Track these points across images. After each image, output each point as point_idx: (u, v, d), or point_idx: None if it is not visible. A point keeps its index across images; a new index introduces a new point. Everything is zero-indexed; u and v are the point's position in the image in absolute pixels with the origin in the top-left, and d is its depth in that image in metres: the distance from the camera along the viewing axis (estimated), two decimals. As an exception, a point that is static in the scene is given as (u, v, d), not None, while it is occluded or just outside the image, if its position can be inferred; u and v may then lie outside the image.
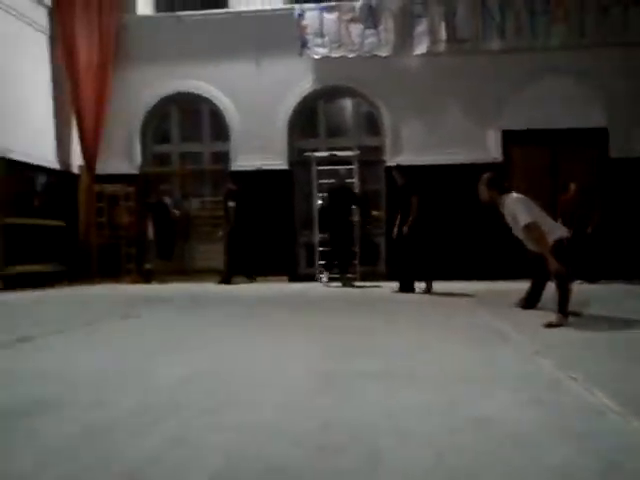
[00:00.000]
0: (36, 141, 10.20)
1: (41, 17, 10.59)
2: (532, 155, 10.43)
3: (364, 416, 2.28)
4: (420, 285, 7.92)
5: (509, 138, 10.46)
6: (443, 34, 10.29)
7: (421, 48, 10.33)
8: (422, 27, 10.30)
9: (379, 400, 2.51)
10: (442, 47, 10.30)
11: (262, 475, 1.72)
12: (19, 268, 9.30)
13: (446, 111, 10.53)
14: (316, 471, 1.75)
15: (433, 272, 8.05)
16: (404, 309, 6.19)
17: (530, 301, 5.54)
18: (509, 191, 5.18)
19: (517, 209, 4.88)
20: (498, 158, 10.37)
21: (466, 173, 10.12)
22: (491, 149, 10.45)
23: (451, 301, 6.91)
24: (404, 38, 10.37)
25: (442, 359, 3.40)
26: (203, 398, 2.57)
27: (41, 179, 10.16)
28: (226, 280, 9.95)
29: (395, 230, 8.15)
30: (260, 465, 1.79)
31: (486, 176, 5.35)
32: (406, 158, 10.45)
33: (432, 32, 10.29)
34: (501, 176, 5.32)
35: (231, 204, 10.02)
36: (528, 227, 4.74)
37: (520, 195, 5.11)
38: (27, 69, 10.18)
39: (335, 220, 9.36)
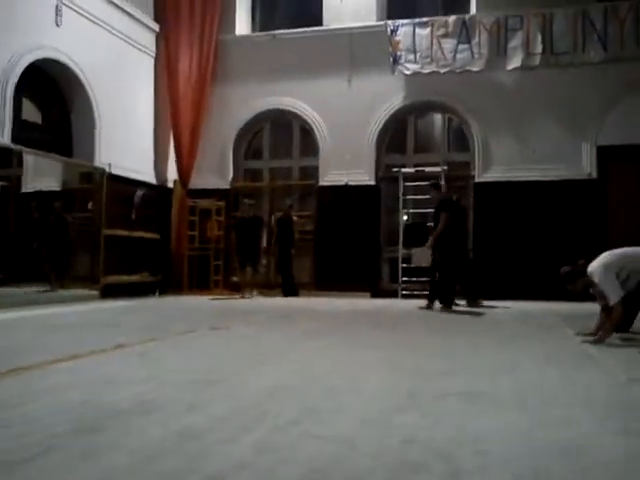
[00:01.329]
0: (136, 157, 10.78)
1: (148, 41, 11.25)
2: (629, 172, 9.95)
3: (445, 435, 2.28)
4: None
5: (605, 154, 10.04)
6: (539, 47, 10.02)
7: (515, 62, 10.11)
8: (517, 41, 10.10)
9: (461, 420, 2.50)
10: (537, 60, 10.03)
11: (344, 487, 1.76)
12: (116, 278, 9.81)
13: (539, 126, 10.26)
14: (397, 487, 1.77)
15: (452, 290, 8.20)
16: (486, 327, 6.08)
17: (623, 324, 5.30)
18: (585, 268, 4.92)
19: (605, 287, 4.68)
20: (592, 174, 9.99)
21: (559, 190, 9.86)
22: (585, 165, 10.08)
23: (535, 320, 6.71)
24: (498, 52, 10.20)
25: (527, 380, 3.33)
26: (288, 408, 2.65)
27: (139, 193, 10.69)
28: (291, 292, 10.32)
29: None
30: (341, 476, 1.83)
31: (565, 271, 5.06)
32: (495, 174, 10.31)
33: (527, 45, 10.06)
34: (575, 265, 5.04)
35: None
36: (614, 306, 4.61)
37: (601, 262, 4.82)
38: (133, 89, 10.83)
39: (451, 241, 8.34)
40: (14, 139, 8.23)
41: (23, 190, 11.75)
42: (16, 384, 3.11)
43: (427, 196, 10.09)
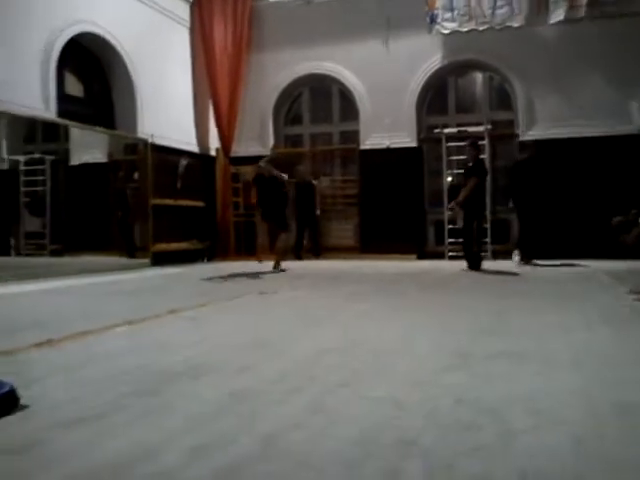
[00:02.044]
0: (178, 126, 10.87)
1: (183, 11, 11.22)
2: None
3: (496, 395, 2.28)
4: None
5: (656, 108, 9.66)
6: (583, -2, 9.62)
7: (558, 15, 9.72)
8: (559, -8, 9.72)
9: (511, 380, 2.50)
10: (582, 12, 9.59)
11: (395, 446, 1.79)
12: (164, 246, 10.02)
13: (584, 81, 9.91)
14: (448, 446, 1.78)
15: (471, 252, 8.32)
16: (536, 287, 6.01)
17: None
18: (638, 217, 4.75)
19: None
20: (643, 129, 9.65)
21: (606, 146, 9.56)
22: (635, 120, 9.71)
23: (587, 279, 6.60)
24: (539, 6, 9.83)
25: (579, 340, 3.29)
26: (337, 370, 2.69)
27: (183, 162, 10.81)
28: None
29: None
30: (393, 436, 1.86)
31: (618, 221, 4.88)
32: (540, 132, 10.06)
33: (570, -4, 9.67)
34: (628, 214, 4.87)
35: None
36: None
37: None
38: (170, 60, 10.87)
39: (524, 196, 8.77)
40: (59, 113, 8.39)
41: (71, 163, 12.06)
42: (76, 348, 3.24)
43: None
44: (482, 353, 3.00)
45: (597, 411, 2.08)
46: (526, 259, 8.74)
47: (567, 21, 9.72)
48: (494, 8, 9.94)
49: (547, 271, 7.96)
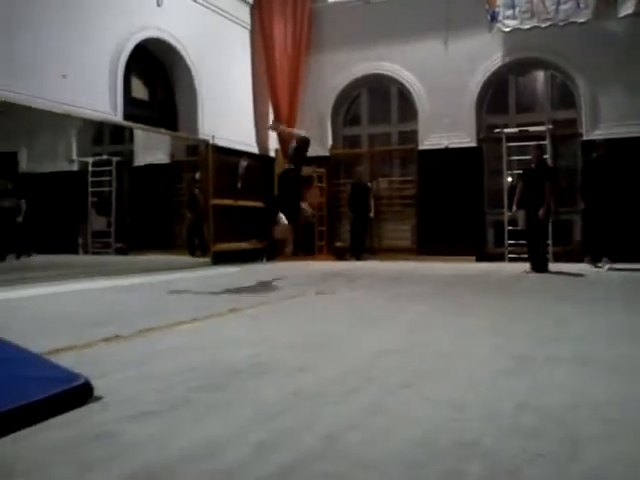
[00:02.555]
0: (238, 128, 11.06)
1: (243, 14, 11.41)
2: None
3: (560, 400, 2.24)
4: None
5: None
6: (655, -12, 9.24)
7: (627, 8, 9.38)
8: (629, -17, 9.38)
9: (575, 385, 2.45)
10: (653, 4, 9.27)
11: (455, 448, 1.79)
12: (225, 245, 10.21)
13: (654, 77, 9.55)
14: (510, 450, 1.76)
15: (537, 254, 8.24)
16: (601, 291, 5.85)
17: None
18: None
19: None
20: None
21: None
22: None
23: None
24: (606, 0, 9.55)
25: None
26: (396, 372, 2.71)
27: (243, 163, 10.99)
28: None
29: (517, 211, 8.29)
30: (453, 438, 1.87)
31: None
32: (605, 131, 9.75)
33: (641, -12, 9.31)
34: None
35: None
36: None
37: None
38: (231, 62, 11.08)
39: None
40: (125, 116, 8.67)
41: (135, 164, 12.44)
42: (142, 344, 3.36)
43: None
44: (544, 357, 2.95)
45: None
46: (595, 261, 8.56)
47: (636, 14, 9.38)
48: (558, 4, 9.71)
49: (618, 274, 7.72)
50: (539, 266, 8.09)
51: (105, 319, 4.17)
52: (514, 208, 8.43)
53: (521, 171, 8.94)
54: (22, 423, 1.90)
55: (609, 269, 8.19)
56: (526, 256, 9.35)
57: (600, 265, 8.44)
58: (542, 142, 8.96)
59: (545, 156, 9.06)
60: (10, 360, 2.58)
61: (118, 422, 2.01)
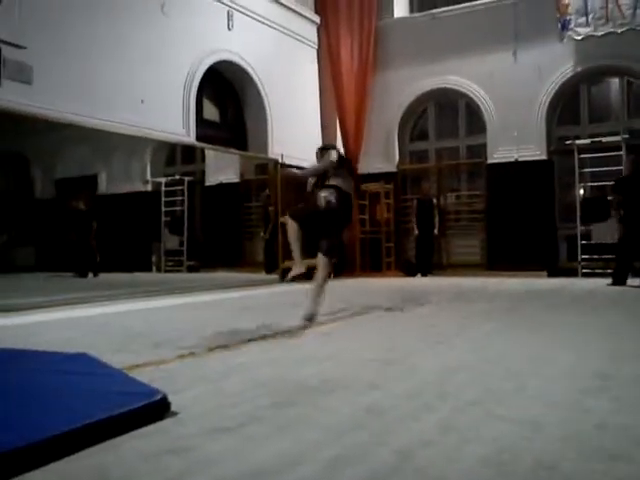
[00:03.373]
0: (306, 146, 11.17)
1: (311, 33, 11.63)
2: None
3: (642, 421, 2.17)
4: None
5: None
6: None
7: None
8: None
9: (659, 406, 2.36)
10: None
11: (533, 469, 1.75)
12: (289, 263, 10.29)
13: None
14: (590, 474, 1.71)
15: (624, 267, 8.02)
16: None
17: None
18: None
19: None
20: None
21: None
22: None
23: None
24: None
25: None
26: (469, 389, 2.67)
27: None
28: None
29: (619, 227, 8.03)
30: (530, 459, 1.82)
31: None
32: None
33: None
34: None
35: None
36: None
37: None
38: (299, 81, 11.28)
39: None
40: (197, 137, 8.96)
41: (207, 183, 12.80)
42: (216, 361, 3.44)
43: (606, 168, 9.57)
44: (624, 376, 2.85)
45: None
46: None
47: None
48: (635, 8, 9.40)
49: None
50: (619, 279, 7.88)
51: (179, 336, 4.29)
52: (620, 226, 8.13)
53: (613, 182, 8.60)
54: (107, 434, 2.00)
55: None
56: (600, 271, 9.10)
57: None
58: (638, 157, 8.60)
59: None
60: (95, 375, 2.71)
61: (194, 437, 2.07)
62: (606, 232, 9.37)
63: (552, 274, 10.09)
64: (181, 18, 8.58)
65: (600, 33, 9.70)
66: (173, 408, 2.33)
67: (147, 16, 8.11)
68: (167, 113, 8.34)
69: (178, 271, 12.63)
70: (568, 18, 9.87)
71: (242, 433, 2.12)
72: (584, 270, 9.79)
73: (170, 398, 2.35)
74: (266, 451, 1.93)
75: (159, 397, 2.28)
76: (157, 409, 2.25)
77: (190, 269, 12.56)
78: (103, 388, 2.43)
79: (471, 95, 11.05)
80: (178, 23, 8.52)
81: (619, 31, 9.55)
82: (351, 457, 1.87)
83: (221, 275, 11.28)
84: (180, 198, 12.86)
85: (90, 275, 11.23)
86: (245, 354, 3.65)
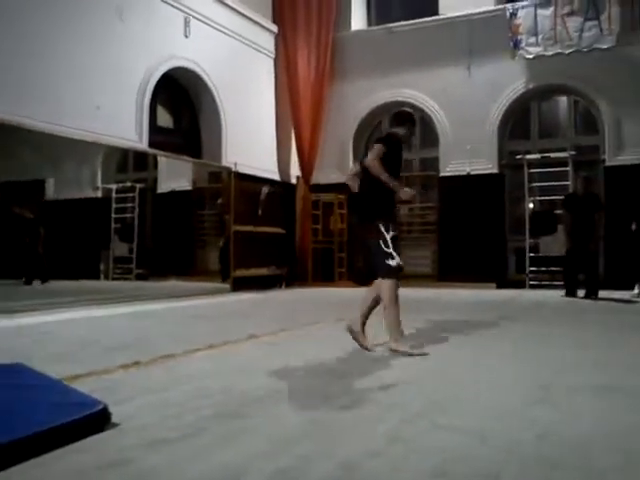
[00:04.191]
0: (261, 155, 11.18)
1: (268, 43, 11.61)
2: None
3: (581, 431, 2.21)
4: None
5: None
6: (681, 14, 9.22)
7: (652, 33, 9.36)
8: (654, 9, 9.35)
9: (596, 415, 2.41)
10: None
11: (475, 479, 1.77)
12: (244, 271, 10.23)
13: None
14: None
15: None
16: (622, 319, 5.75)
17: None
18: None
19: None
20: None
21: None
22: None
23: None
24: (631, 25, 9.47)
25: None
26: (416, 400, 2.68)
27: (264, 190, 11.06)
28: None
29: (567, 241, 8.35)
30: (472, 469, 1.84)
31: None
32: (629, 157, 9.67)
33: (665, 14, 9.29)
34: None
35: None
36: None
37: None
38: (255, 90, 11.24)
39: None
40: (150, 144, 8.82)
41: (159, 191, 12.61)
42: (160, 371, 3.37)
43: (554, 183, 9.84)
44: (566, 386, 2.90)
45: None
46: (591, 294, 8.22)
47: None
48: (581, 30, 9.70)
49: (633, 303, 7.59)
50: (572, 291, 8.21)
51: (124, 345, 4.19)
52: (566, 238, 8.41)
53: (563, 197, 8.90)
54: (44, 448, 1.92)
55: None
56: (547, 283, 9.38)
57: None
58: (590, 175, 8.93)
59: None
60: (33, 386, 2.61)
61: (134, 449, 2.01)
62: (553, 245, 9.64)
63: (501, 285, 10.27)
64: (138, 24, 8.46)
65: (549, 53, 9.98)
66: (114, 419, 2.27)
67: (103, 21, 7.97)
68: (120, 118, 8.19)
69: (127, 279, 12.37)
70: (519, 37, 10.13)
71: (185, 444, 2.07)
72: (532, 282, 9.99)
73: (112, 409, 2.28)
74: (208, 463, 1.88)
75: (99, 408, 2.21)
76: (97, 420, 2.18)
77: (139, 277, 12.33)
78: (39, 399, 2.34)
79: (425, 109, 11.19)
80: (135, 29, 8.40)
81: (566, 52, 9.85)
82: (296, 468, 1.84)
83: (171, 284, 11.10)
84: (131, 205, 12.63)
85: (36, 282, 10.90)
86: (191, 364, 3.58)
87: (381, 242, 3.89)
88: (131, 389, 2.88)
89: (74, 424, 2.08)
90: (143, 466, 1.85)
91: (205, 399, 2.69)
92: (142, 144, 8.62)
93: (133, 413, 2.44)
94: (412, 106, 11.29)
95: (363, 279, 10.99)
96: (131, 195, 12.65)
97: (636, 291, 8.20)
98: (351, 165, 11.48)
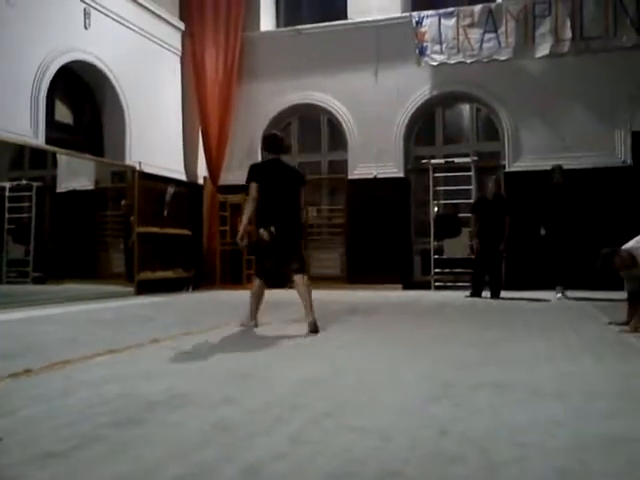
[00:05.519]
0: (166, 154, 10.89)
1: (174, 40, 11.32)
2: (666, 158, 9.69)
3: (480, 426, 2.26)
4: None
5: (640, 140, 9.81)
6: (568, 33, 9.78)
7: (543, 49, 9.91)
8: (545, 27, 9.89)
9: (496, 411, 2.48)
10: (566, 47, 9.80)
11: (379, 477, 1.76)
12: (149, 274, 9.93)
13: (570, 113, 10.04)
14: (430, 477, 1.77)
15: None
16: (522, 318, 6.00)
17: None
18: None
19: None
20: (627, 162, 9.77)
21: (592, 178, 9.66)
22: (620, 152, 9.86)
23: (571, 310, 6.61)
24: (525, 40, 10.00)
25: (564, 370, 3.28)
26: (321, 401, 2.66)
27: (170, 190, 10.80)
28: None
29: (476, 244, 8.79)
30: (377, 468, 1.83)
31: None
32: (526, 163, 10.17)
33: (556, 32, 9.84)
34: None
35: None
36: None
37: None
38: (160, 88, 10.93)
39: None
40: (48, 140, 8.38)
41: (58, 190, 12.01)
42: (57, 377, 3.18)
43: (457, 187, 10.22)
44: (467, 383, 2.97)
45: (582, 443, 2.06)
46: (494, 295, 8.62)
47: (552, 55, 9.90)
48: (482, 42, 10.14)
49: (533, 303, 7.96)
50: (478, 292, 8.59)
51: (16, 352, 3.93)
52: (475, 240, 8.81)
53: (473, 201, 9.33)
54: None
55: (561, 298, 8.25)
56: (451, 284, 9.75)
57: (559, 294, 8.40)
58: (499, 178, 9.36)
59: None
60: None
61: (17, 466, 1.86)
62: (457, 247, 10.02)
63: (407, 287, 10.51)
64: (31, 10, 8.01)
65: (453, 61, 10.35)
66: (-1, 433, 2.10)
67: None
68: (12, 112, 7.73)
69: (23, 283, 11.70)
70: (425, 45, 10.44)
71: (76, 456, 1.94)
72: (436, 283, 10.28)
73: (-5, 422, 2.11)
74: (101, 474, 1.77)
75: (-21, 421, 2.03)
76: (-24, 436, 2.00)
77: (36, 280, 11.68)
78: None
79: (333, 112, 11.30)
80: (27, 15, 7.94)
81: (468, 62, 10.25)
82: (196, 475, 1.77)
83: (71, 287, 10.58)
84: (27, 204, 11.95)
85: None
86: (90, 370, 3.40)
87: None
88: (20, 399, 2.69)
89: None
90: (28, 482, 1.72)
91: (103, 406, 2.56)
92: (38, 140, 8.18)
93: (20, 426, 2.28)
94: (320, 108, 11.39)
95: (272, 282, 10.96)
96: (27, 194, 11.97)
97: (559, 294, 8.39)
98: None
